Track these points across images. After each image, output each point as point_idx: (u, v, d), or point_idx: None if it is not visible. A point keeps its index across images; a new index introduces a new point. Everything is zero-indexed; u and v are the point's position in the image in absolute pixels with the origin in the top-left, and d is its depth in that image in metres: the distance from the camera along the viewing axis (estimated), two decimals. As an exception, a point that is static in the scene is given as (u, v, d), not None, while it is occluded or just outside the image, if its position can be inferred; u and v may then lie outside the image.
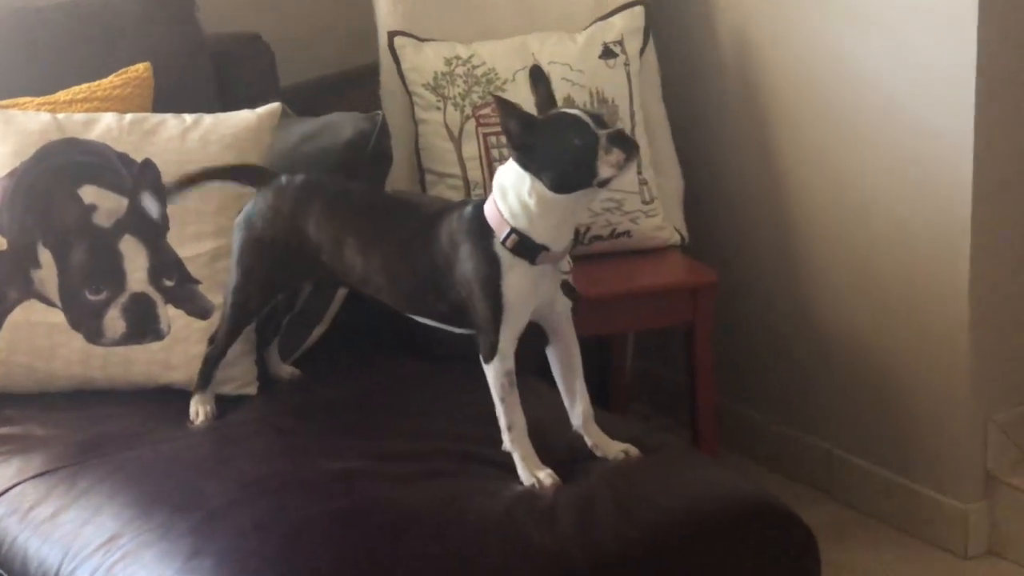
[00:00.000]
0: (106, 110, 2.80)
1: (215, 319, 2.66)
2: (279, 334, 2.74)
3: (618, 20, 3.30)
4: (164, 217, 2.66)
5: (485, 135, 3.19)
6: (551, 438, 2.39)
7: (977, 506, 3.17)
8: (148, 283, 2.68)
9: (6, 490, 2.45)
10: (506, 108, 2.26)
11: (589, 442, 2.41)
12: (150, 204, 2.63)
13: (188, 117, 2.75)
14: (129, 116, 2.75)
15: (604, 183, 2.26)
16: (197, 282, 2.69)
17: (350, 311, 2.86)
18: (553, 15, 3.35)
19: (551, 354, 2.41)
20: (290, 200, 2.54)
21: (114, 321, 2.67)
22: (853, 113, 3.20)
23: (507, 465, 2.35)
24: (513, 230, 2.29)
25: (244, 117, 2.75)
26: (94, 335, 2.67)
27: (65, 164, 2.69)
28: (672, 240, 3.28)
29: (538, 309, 2.35)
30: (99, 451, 2.50)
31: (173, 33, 3.11)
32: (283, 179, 2.57)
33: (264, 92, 3.08)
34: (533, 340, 2.38)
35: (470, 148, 3.19)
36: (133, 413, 2.64)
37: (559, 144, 2.24)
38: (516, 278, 2.30)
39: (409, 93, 3.23)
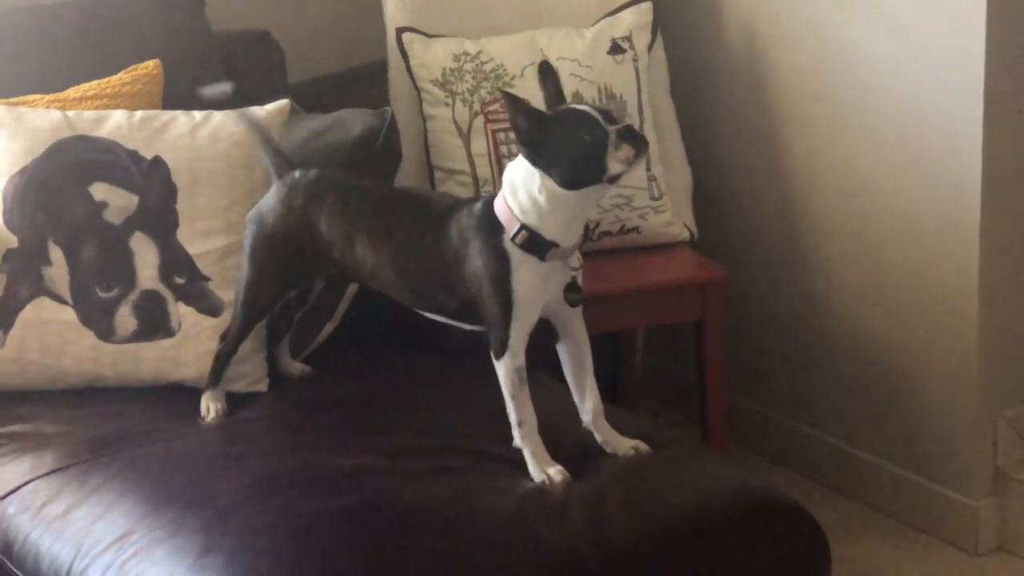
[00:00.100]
0: (116, 107, 2.80)
1: (225, 316, 2.66)
2: (291, 331, 2.74)
3: (626, 16, 3.29)
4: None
5: (494, 131, 3.18)
6: (561, 434, 2.40)
7: (987, 502, 3.17)
8: (159, 280, 2.68)
9: (18, 487, 2.45)
10: (515, 104, 2.26)
11: (599, 438, 2.41)
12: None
13: (198, 114, 2.75)
14: (139, 113, 2.75)
15: (614, 179, 2.25)
16: (207, 279, 2.69)
17: (360, 308, 2.86)
18: (561, 11, 3.35)
19: (561, 350, 2.41)
20: (302, 195, 2.53)
21: (125, 318, 2.67)
22: (862, 109, 3.19)
23: (517, 461, 2.35)
24: (523, 226, 2.29)
25: (253, 114, 2.75)
26: (105, 332, 2.67)
27: (75, 161, 2.69)
28: (681, 236, 3.28)
29: (548, 305, 2.35)
30: (110, 448, 2.50)
31: (183, 30, 3.12)
32: (296, 174, 2.57)
33: (273, 89, 3.08)
34: (543, 336, 2.38)
35: (479, 144, 3.18)
36: (144, 410, 2.64)
37: (568, 140, 2.24)
38: (526, 274, 2.30)
39: (417, 89, 3.22)
